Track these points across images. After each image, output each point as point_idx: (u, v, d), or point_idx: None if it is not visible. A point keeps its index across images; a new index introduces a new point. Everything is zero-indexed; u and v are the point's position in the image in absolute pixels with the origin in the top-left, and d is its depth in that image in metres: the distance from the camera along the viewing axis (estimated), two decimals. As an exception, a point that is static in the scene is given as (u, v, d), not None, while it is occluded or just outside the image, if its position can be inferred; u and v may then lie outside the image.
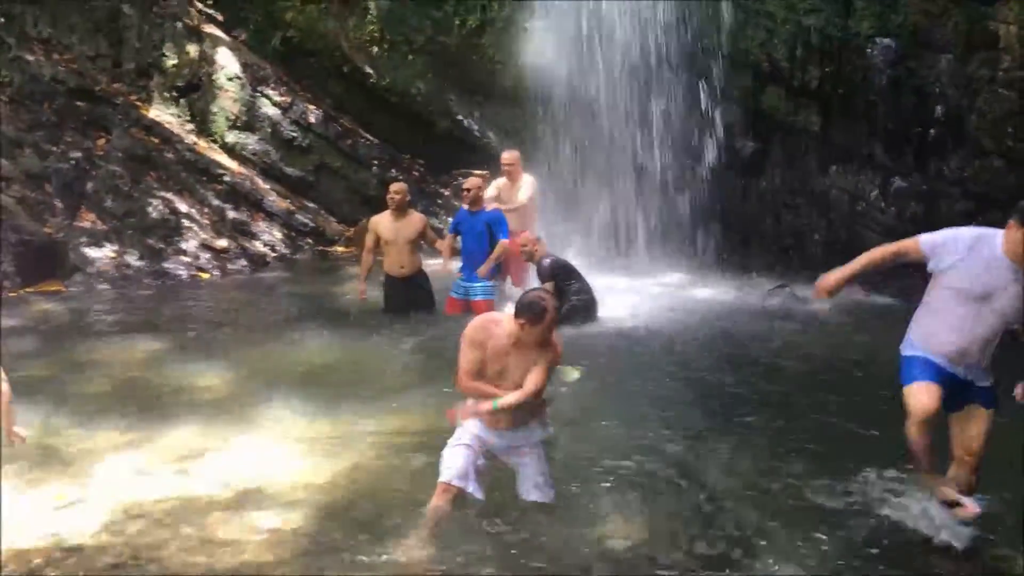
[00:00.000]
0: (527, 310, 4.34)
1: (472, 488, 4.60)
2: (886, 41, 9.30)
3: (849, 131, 9.83)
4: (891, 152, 9.51)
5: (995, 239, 4.22)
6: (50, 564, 4.41)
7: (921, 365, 4.34)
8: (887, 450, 5.52)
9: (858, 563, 4.38)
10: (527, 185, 9.77)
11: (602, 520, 4.77)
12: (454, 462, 4.59)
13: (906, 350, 4.46)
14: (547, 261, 8.69)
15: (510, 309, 4.56)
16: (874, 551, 4.48)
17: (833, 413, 6.39)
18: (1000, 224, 4.18)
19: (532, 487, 4.71)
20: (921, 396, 4.29)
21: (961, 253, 4.22)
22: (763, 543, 4.53)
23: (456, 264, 9.30)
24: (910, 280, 9.36)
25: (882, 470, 5.16)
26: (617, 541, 4.58)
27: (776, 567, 4.32)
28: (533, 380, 4.45)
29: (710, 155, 11.22)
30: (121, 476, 5.41)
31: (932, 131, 8.93)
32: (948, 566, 4.43)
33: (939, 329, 4.35)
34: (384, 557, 4.42)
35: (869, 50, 9.45)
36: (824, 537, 4.58)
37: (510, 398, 4.46)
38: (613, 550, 4.51)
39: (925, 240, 4.27)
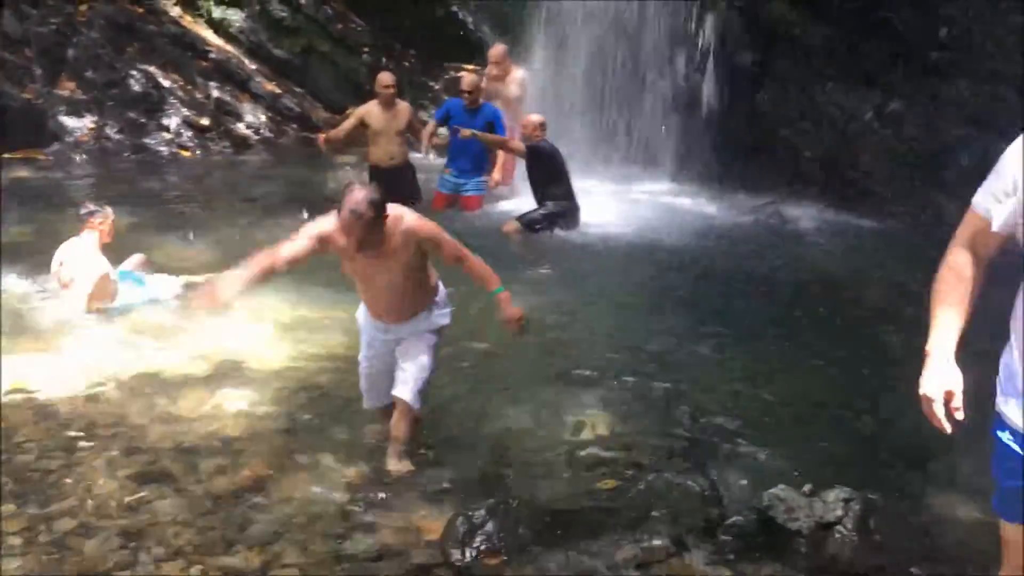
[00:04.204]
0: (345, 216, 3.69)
1: (388, 397, 4.29)
2: (903, -43, 9.08)
3: (854, 48, 9.64)
4: (895, 72, 9.35)
5: None
6: (25, 424, 4.43)
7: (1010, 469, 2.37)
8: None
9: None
10: (518, 80, 9.54)
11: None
12: (363, 387, 4.42)
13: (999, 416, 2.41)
14: (544, 144, 8.35)
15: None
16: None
17: (798, 330, 6.33)
18: (1000, 148, 2.80)
19: (400, 382, 4.19)
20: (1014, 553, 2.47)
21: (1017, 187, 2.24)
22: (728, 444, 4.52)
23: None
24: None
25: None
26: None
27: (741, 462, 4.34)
28: (469, 257, 4.06)
29: (707, 65, 10.99)
30: (96, 345, 5.39)
31: (939, 53, 8.74)
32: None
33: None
34: (352, 439, 4.45)
35: (885, -35, 9.23)
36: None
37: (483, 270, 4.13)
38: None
39: (978, 201, 2.36)
